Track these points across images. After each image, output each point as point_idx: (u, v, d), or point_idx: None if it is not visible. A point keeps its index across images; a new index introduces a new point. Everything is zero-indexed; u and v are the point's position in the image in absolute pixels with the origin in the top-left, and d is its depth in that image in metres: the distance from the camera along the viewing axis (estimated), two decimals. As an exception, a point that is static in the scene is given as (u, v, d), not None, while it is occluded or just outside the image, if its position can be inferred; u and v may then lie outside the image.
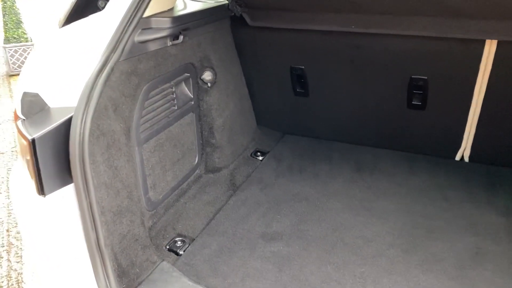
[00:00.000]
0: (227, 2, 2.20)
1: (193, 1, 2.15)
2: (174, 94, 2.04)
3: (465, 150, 2.46)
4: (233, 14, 2.26)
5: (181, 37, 1.85)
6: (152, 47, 1.79)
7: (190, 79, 2.14)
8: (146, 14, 1.68)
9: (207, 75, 2.20)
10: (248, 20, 2.27)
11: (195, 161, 2.32)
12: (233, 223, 2.08)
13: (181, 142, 2.16)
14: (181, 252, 1.90)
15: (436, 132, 2.43)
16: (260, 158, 2.63)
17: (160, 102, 1.96)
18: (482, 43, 1.97)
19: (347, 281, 1.73)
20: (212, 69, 2.22)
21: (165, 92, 1.97)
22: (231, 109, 2.44)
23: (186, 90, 2.15)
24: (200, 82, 2.21)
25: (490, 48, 1.97)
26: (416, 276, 1.74)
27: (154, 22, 1.75)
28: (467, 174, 2.36)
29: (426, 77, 2.19)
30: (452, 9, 1.82)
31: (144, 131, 1.88)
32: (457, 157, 2.51)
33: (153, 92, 1.88)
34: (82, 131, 1.43)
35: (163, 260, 1.81)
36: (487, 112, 2.21)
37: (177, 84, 2.07)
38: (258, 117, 2.79)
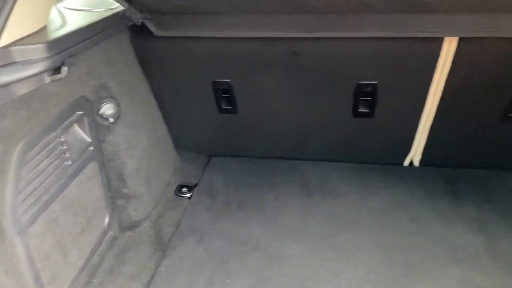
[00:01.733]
0: (123, 8, 1.62)
1: (74, 11, 1.54)
2: (65, 144, 1.44)
3: (414, 155, 2.21)
4: (132, 23, 1.68)
5: (64, 69, 1.25)
6: (21, 89, 1.17)
7: (85, 118, 1.54)
8: (4, 41, 1.08)
9: (107, 109, 1.62)
10: (153, 29, 1.71)
11: (105, 221, 1.74)
12: (172, 303, 1.57)
13: (83, 205, 1.57)
14: None
15: (385, 139, 2.14)
16: (188, 195, 2.12)
17: (45, 162, 1.35)
18: (441, 41, 1.67)
19: None
20: (113, 99, 1.65)
21: (50, 146, 1.37)
22: (144, 144, 1.89)
23: (81, 134, 1.55)
24: (98, 119, 1.62)
25: (449, 47, 1.69)
26: (414, 338, 1.42)
27: (19, 53, 1.13)
28: (423, 182, 2.11)
29: (376, 82, 1.86)
30: (411, 3, 1.48)
31: (26, 211, 1.27)
32: (406, 163, 2.26)
33: (32, 152, 1.28)
34: None
35: None
36: (442, 115, 1.95)
37: (67, 130, 1.47)
38: (176, 141, 2.26)
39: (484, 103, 1.85)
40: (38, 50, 1.16)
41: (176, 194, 2.13)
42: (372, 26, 1.59)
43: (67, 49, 1.27)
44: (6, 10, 1.01)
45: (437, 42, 1.68)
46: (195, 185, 2.19)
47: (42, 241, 1.35)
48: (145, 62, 1.88)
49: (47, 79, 1.25)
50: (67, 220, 1.47)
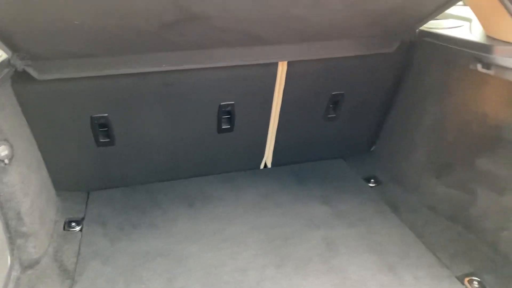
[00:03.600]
0: (6, 56, 1.73)
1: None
2: (-29, 186, 1.50)
3: (267, 158, 2.75)
4: (14, 69, 1.80)
5: None
6: None
7: (-19, 161, 1.61)
8: None
9: (2, 150, 1.70)
10: (34, 74, 1.84)
11: (7, 263, 1.77)
12: (98, 318, 1.71)
13: (-8, 245, 1.61)
14: None
15: (244, 149, 2.62)
16: (78, 228, 2.22)
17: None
18: (276, 65, 2.24)
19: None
20: (6, 141, 1.73)
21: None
22: (34, 183, 1.96)
23: (-20, 177, 1.61)
24: (-7, 161, 1.69)
25: (282, 68, 2.26)
26: (300, 285, 1.86)
27: None
28: (279, 177, 2.66)
29: (233, 102, 2.32)
30: (254, 39, 1.99)
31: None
32: (262, 166, 2.78)
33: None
34: None
35: None
36: (282, 122, 2.53)
37: (-30, 173, 1.52)
38: (55, 182, 2.34)
39: (311, 109, 2.49)
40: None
41: (66, 229, 2.21)
42: (228, 58, 2.06)
43: None
44: None
45: (274, 66, 2.24)
46: (83, 219, 2.30)
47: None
48: (25, 106, 1.97)
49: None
50: (-18, 260, 1.51)
